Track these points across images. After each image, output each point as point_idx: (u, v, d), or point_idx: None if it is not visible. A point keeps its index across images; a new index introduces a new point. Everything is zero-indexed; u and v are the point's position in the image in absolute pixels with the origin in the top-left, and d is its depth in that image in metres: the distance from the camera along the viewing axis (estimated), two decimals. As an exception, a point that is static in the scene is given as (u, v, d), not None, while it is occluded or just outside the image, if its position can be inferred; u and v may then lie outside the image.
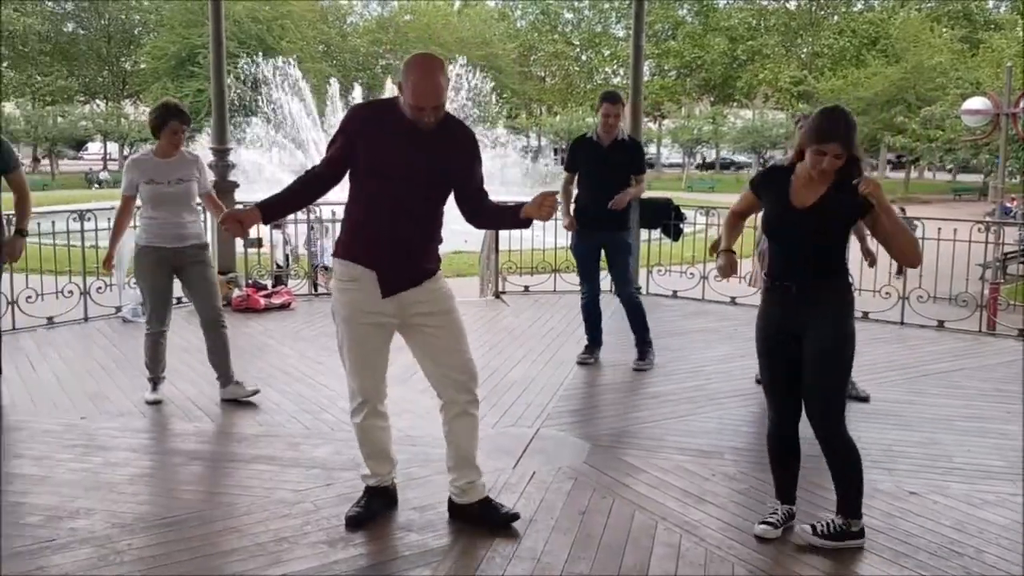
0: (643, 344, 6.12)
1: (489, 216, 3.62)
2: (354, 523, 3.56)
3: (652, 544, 3.45)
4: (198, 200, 5.28)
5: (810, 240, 3.31)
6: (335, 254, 3.54)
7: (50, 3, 50.03)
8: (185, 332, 7.03)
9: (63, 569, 3.20)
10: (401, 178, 3.33)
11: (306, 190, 3.48)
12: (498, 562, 3.29)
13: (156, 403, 5.18)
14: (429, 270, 3.48)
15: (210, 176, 5.54)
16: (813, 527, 3.43)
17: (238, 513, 3.70)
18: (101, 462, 4.28)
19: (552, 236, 9.30)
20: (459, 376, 3.51)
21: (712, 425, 4.90)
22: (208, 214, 6.10)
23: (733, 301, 8.46)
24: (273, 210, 3.44)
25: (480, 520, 3.56)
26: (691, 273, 8.84)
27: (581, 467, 4.25)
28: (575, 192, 6.09)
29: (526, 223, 3.44)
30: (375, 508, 3.65)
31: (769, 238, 3.50)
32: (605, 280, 6.27)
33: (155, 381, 5.29)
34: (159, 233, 5.12)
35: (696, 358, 6.29)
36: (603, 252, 6.15)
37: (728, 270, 3.55)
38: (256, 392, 5.30)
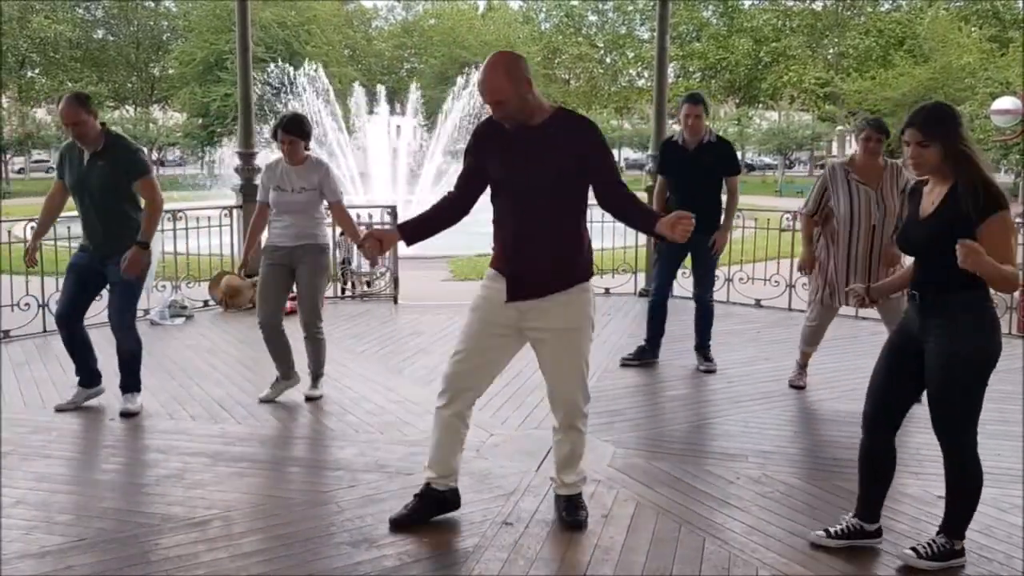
0: (707, 346, 6.19)
1: (624, 214, 3.49)
2: (395, 525, 3.56)
3: (675, 547, 3.44)
4: (323, 207, 5.42)
5: (926, 249, 3.18)
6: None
7: (80, 10, 50.71)
8: (211, 333, 7.12)
9: (91, 568, 3.24)
10: (513, 185, 3.39)
11: (446, 211, 3.58)
12: (521, 564, 3.29)
13: (267, 401, 5.33)
14: (559, 283, 3.42)
15: (337, 185, 5.44)
16: (916, 550, 3.27)
17: (263, 514, 3.73)
18: (128, 463, 4.33)
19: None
20: (556, 402, 3.57)
21: (736, 428, 4.88)
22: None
23: (758, 304, 8.42)
24: (415, 232, 3.53)
25: (558, 512, 3.67)
26: (716, 275, 8.78)
27: (604, 470, 4.25)
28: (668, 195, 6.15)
29: (658, 235, 3.40)
30: (420, 515, 3.60)
31: (899, 248, 3.45)
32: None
33: (280, 376, 5.42)
34: (280, 233, 5.31)
35: (720, 361, 6.25)
36: (689, 255, 6.19)
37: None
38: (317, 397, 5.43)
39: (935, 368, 3.17)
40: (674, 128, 6.88)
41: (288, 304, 5.63)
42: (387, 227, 3.61)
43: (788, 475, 4.18)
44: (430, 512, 3.63)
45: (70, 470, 4.24)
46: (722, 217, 6.06)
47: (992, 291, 3.13)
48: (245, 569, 3.24)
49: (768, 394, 5.53)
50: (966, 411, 3.18)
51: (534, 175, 3.35)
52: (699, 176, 5.94)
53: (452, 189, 3.59)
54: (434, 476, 3.62)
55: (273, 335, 5.33)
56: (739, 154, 60.91)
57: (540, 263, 3.40)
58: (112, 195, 4.92)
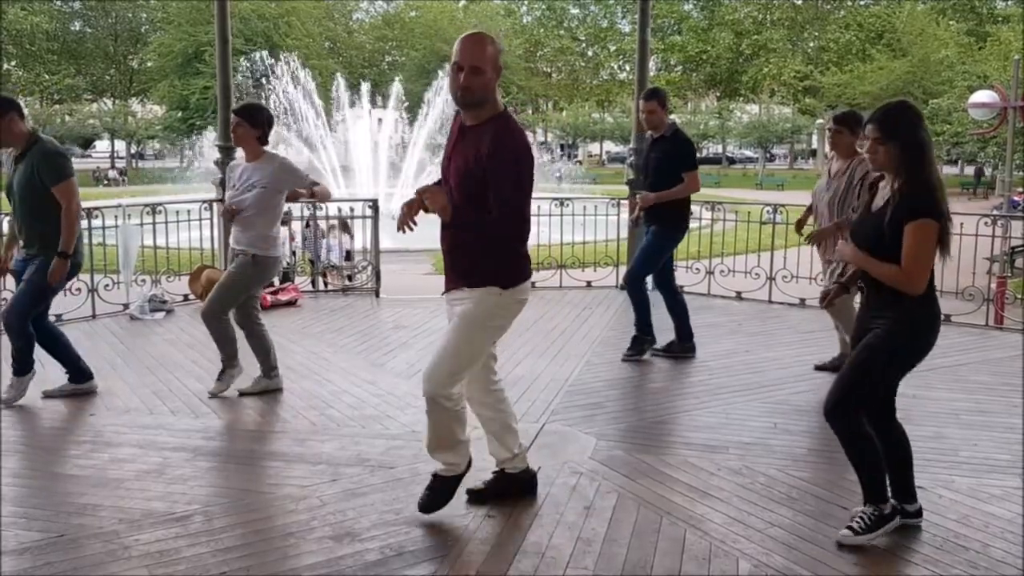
0: (636, 336, 6.16)
1: None
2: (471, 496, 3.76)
3: (657, 538, 3.46)
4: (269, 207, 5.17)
5: (868, 243, 3.26)
6: None
7: (58, 2, 50.19)
8: (191, 328, 7.08)
9: (71, 564, 3.22)
10: (443, 175, 3.52)
11: None
12: (503, 556, 3.30)
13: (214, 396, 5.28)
14: (467, 277, 3.45)
15: (298, 171, 5.23)
16: (851, 528, 3.37)
17: (244, 509, 3.72)
18: (108, 458, 4.30)
19: (558, 232, 9.32)
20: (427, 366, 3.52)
21: (717, 420, 4.91)
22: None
23: (739, 296, 8.46)
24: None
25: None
26: (696, 268, 8.85)
27: (586, 462, 4.26)
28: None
29: None
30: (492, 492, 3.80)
31: (852, 240, 3.45)
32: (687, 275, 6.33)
33: (262, 373, 5.39)
34: (231, 234, 5.24)
35: (700, 353, 6.28)
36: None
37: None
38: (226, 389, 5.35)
39: (859, 347, 3.32)
40: None
41: (264, 296, 5.58)
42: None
43: (768, 466, 4.20)
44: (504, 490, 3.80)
45: (49, 466, 4.20)
46: (671, 215, 6.03)
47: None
48: (226, 564, 3.23)
49: (749, 386, 5.56)
50: (860, 392, 3.32)
51: (450, 169, 3.44)
52: (652, 169, 6.06)
53: None
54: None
55: (247, 333, 5.33)
56: (720, 148, 61.23)
57: (453, 256, 3.50)
58: (29, 197, 4.93)
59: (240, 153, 5.27)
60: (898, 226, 3.16)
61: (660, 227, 6.04)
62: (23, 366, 5.14)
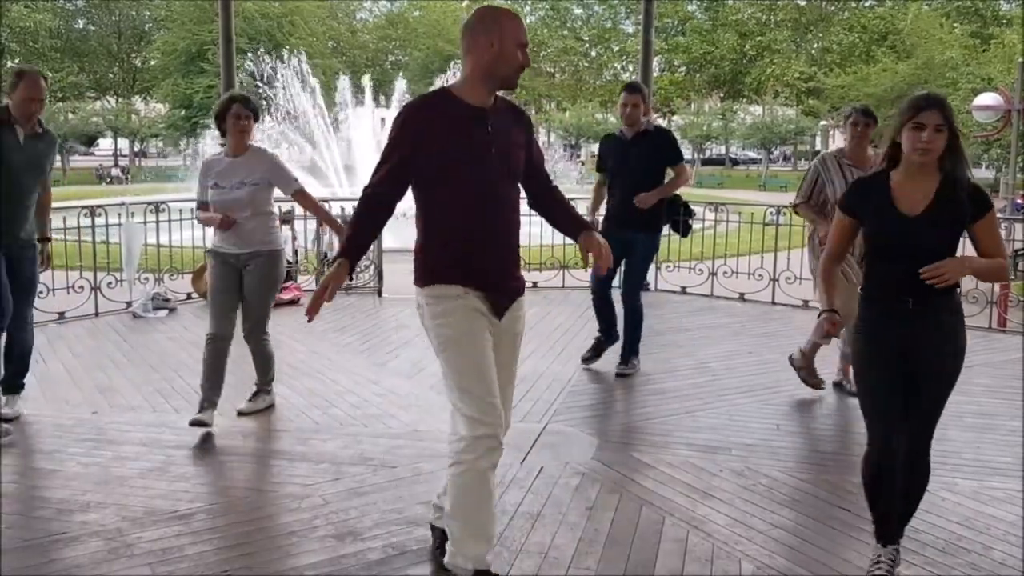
0: (629, 350, 5.89)
1: (555, 217, 3.28)
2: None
3: (659, 539, 3.46)
4: (271, 205, 4.88)
5: (927, 251, 2.92)
6: (419, 283, 3.02)
7: (61, -1, 50.31)
8: (193, 326, 7.08)
9: (74, 562, 3.22)
10: (478, 166, 2.90)
11: (377, 214, 3.05)
12: (506, 556, 3.30)
13: (198, 424, 4.54)
14: (522, 282, 3.15)
15: (290, 172, 4.84)
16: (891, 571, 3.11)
17: (247, 507, 3.72)
18: (111, 456, 4.31)
19: (560, 233, 9.31)
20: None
21: (719, 421, 4.91)
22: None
23: (742, 297, 8.45)
24: (358, 253, 3.05)
25: (433, 546, 3.31)
26: (700, 269, 8.85)
27: (589, 462, 4.26)
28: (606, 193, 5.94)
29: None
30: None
31: (877, 253, 3.06)
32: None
33: (202, 402, 4.66)
34: (224, 236, 4.75)
35: (703, 354, 6.28)
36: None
37: (834, 331, 3.21)
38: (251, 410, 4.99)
39: (938, 373, 3.07)
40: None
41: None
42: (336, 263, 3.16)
43: (771, 468, 4.20)
44: None
45: (51, 464, 4.20)
46: (657, 217, 5.82)
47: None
48: (229, 562, 3.24)
49: (751, 387, 5.56)
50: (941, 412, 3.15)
51: (501, 150, 2.94)
52: (637, 168, 5.69)
53: (377, 186, 3.00)
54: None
55: (220, 351, 4.72)
56: (723, 149, 61.12)
57: (509, 262, 3.06)
58: (35, 183, 4.71)
59: (217, 148, 4.90)
60: (964, 224, 2.98)
61: (648, 233, 5.78)
62: (20, 381, 4.92)
